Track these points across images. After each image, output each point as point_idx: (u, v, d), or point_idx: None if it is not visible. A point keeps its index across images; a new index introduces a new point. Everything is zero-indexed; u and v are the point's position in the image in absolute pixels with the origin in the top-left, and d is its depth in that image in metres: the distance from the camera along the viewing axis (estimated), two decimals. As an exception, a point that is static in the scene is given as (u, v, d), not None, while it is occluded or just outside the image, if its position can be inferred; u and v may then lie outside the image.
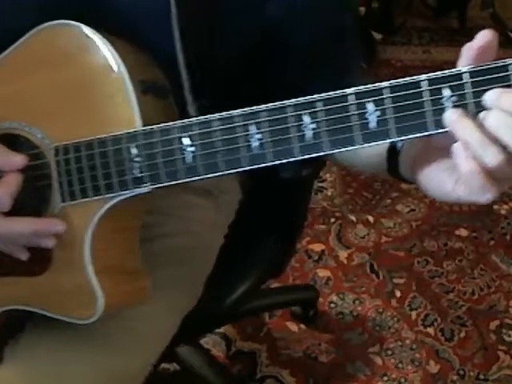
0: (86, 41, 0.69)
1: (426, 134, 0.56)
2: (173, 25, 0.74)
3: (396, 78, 0.56)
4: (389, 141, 0.58)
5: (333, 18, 0.80)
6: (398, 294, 1.64)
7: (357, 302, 1.62)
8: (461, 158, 0.55)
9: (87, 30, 0.69)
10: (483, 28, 0.54)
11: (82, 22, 0.69)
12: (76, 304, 0.72)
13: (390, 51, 2.76)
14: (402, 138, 0.57)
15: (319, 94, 0.59)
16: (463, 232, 1.84)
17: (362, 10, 2.62)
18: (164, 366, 1.41)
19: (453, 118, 0.55)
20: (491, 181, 0.54)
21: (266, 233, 1.08)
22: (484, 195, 0.55)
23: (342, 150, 0.59)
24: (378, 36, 2.71)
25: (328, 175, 2.04)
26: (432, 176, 0.60)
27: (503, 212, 1.92)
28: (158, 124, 0.65)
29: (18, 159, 0.70)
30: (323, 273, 1.71)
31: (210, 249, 0.96)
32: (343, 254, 1.77)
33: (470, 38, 0.53)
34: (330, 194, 1.99)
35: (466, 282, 1.68)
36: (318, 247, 1.79)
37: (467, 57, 0.54)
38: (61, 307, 0.73)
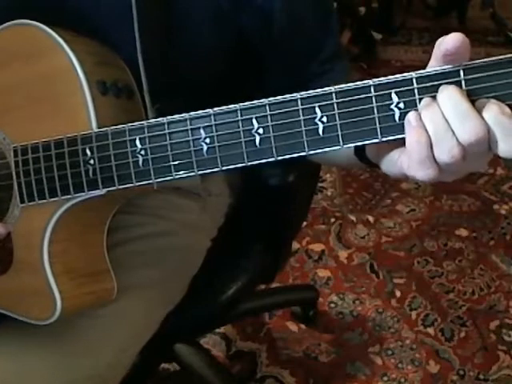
0: (44, 40, 0.69)
1: (377, 141, 0.55)
2: (134, 26, 0.73)
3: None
4: (337, 148, 0.56)
5: (312, 27, 0.81)
6: (398, 293, 1.64)
7: (357, 301, 1.62)
8: (411, 126, 0.54)
9: (46, 29, 0.68)
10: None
11: (47, 21, 0.69)
12: (34, 305, 0.71)
13: (390, 51, 2.77)
14: (351, 144, 0.56)
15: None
16: (463, 232, 1.84)
17: (362, 9, 2.62)
18: (164, 366, 1.41)
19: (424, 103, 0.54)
20: (432, 160, 0.53)
21: (255, 238, 1.07)
22: (422, 170, 0.54)
23: (290, 156, 0.58)
24: (377, 36, 2.71)
25: (328, 175, 2.04)
26: (386, 149, 0.59)
27: (503, 212, 1.92)
28: (117, 125, 0.65)
29: None
30: (323, 273, 1.71)
31: (194, 250, 0.96)
32: (343, 254, 1.77)
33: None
34: (329, 194, 1.99)
35: (466, 281, 1.68)
36: (317, 247, 1.79)
37: (436, 56, 0.53)
38: (20, 307, 0.73)
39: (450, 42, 0.51)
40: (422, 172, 0.54)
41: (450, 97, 0.52)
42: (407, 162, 0.55)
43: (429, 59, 0.55)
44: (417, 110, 0.54)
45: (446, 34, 0.52)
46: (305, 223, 1.77)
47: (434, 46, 0.53)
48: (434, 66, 0.54)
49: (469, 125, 0.51)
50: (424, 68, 0.55)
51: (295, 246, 1.75)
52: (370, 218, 1.89)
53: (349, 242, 1.81)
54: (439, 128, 0.53)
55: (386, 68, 2.64)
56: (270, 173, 0.99)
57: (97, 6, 0.75)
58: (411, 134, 0.54)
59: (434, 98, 0.53)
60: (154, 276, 0.86)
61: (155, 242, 0.88)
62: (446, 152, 0.52)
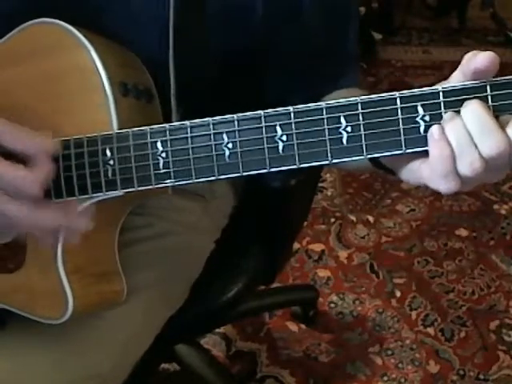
0: (67, 39, 0.68)
1: (400, 152, 0.56)
2: (169, 29, 0.73)
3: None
4: (360, 158, 0.57)
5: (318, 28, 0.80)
6: (398, 293, 1.65)
7: (357, 301, 1.62)
8: (434, 140, 0.54)
9: (69, 27, 0.68)
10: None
11: (74, 21, 0.69)
12: (46, 304, 0.71)
13: (390, 51, 2.76)
14: (375, 155, 0.57)
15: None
16: (463, 232, 1.84)
17: (362, 9, 2.62)
18: (164, 366, 1.41)
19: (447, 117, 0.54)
20: (455, 173, 0.54)
21: (256, 240, 1.07)
22: (445, 184, 0.55)
23: (313, 164, 0.58)
24: (378, 36, 2.71)
25: (328, 175, 2.04)
26: (406, 159, 0.59)
27: (503, 212, 1.92)
28: (138, 127, 0.64)
29: (49, 144, 0.64)
30: (323, 273, 1.71)
31: (197, 252, 0.95)
32: (343, 254, 1.77)
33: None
34: (329, 194, 1.99)
35: (466, 281, 1.68)
36: (317, 247, 1.79)
37: (464, 72, 0.54)
38: (31, 306, 0.72)
39: (479, 61, 0.52)
40: (444, 185, 0.55)
41: (472, 111, 0.53)
42: (429, 173, 0.56)
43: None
44: (440, 123, 0.54)
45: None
46: (305, 223, 1.77)
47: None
48: (459, 79, 0.54)
49: (491, 139, 0.52)
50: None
51: (295, 246, 1.75)
52: (370, 218, 1.89)
53: (349, 242, 1.81)
54: (462, 141, 0.53)
55: (386, 68, 2.64)
56: (272, 176, 0.99)
57: (132, 8, 0.74)
58: (434, 148, 0.54)
59: (459, 112, 0.54)
60: (157, 277, 0.86)
61: (159, 244, 0.88)
62: (467, 165, 0.53)
